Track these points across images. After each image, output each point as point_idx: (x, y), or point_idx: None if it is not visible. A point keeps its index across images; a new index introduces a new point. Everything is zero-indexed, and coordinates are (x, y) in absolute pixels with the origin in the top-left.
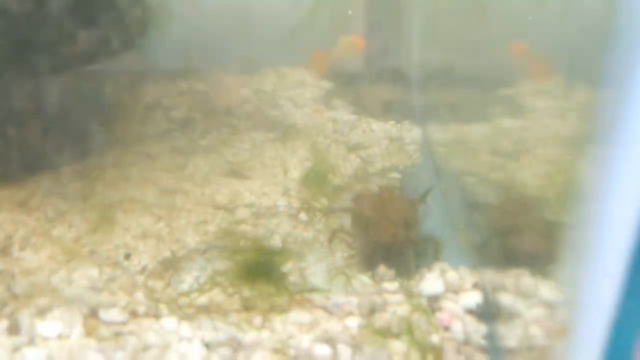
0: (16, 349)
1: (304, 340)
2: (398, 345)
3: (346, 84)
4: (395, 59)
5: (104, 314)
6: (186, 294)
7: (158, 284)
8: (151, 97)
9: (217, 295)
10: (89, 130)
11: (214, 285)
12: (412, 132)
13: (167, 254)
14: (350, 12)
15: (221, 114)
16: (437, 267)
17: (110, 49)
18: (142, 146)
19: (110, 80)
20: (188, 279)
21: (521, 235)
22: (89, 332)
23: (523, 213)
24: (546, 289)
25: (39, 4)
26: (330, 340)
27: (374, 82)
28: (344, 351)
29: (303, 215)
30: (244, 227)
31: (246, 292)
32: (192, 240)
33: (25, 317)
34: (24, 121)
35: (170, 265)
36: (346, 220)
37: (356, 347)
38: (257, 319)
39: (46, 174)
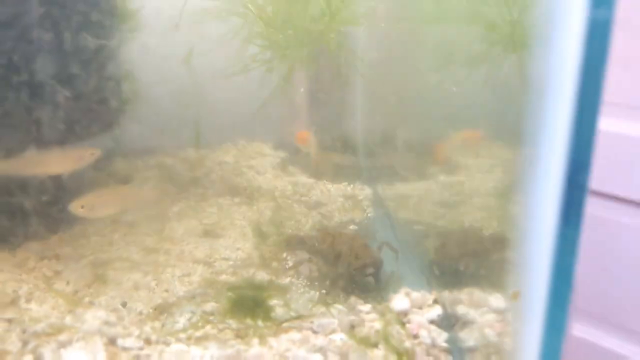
0: None
1: (300, 351)
2: (377, 352)
3: (299, 152)
4: (343, 130)
5: (122, 342)
6: (183, 330)
7: (157, 325)
8: (123, 172)
9: (210, 330)
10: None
11: (206, 322)
12: (364, 191)
13: (159, 301)
14: (301, 89)
15: (189, 185)
16: (402, 290)
17: (89, 132)
18: (119, 216)
19: None
20: (181, 320)
21: (467, 262)
22: (112, 358)
23: (466, 246)
24: (494, 299)
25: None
26: (321, 350)
27: (324, 150)
28: (333, 358)
29: (275, 264)
30: (224, 277)
31: (236, 325)
32: (179, 289)
33: (47, 351)
34: (11, 193)
35: (164, 310)
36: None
37: (343, 355)
38: (255, 341)
39: (34, 242)
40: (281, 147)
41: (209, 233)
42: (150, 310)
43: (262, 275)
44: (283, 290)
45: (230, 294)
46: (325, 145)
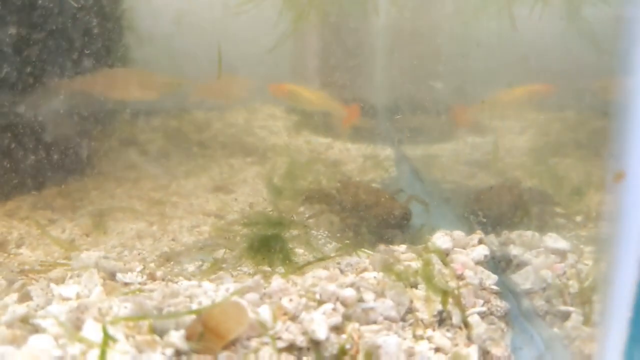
0: (33, 310)
1: (328, 287)
2: (417, 292)
3: (313, 116)
4: (361, 93)
5: (122, 277)
6: (194, 275)
7: (162, 270)
8: (125, 134)
9: (224, 275)
10: (66, 157)
11: (219, 269)
12: (385, 151)
13: (166, 249)
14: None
15: (195, 146)
16: (439, 231)
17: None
18: (122, 173)
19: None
20: (190, 268)
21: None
22: (109, 292)
23: (511, 194)
24: (550, 240)
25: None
26: (353, 286)
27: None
28: (368, 295)
29: (294, 217)
30: (237, 228)
31: (253, 270)
32: (188, 239)
33: (36, 288)
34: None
35: (171, 258)
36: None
37: (378, 293)
38: (276, 277)
39: (28, 194)
40: (294, 111)
41: (220, 189)
42: (155, 257)
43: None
44: (304, 227)
45: (245, 231)
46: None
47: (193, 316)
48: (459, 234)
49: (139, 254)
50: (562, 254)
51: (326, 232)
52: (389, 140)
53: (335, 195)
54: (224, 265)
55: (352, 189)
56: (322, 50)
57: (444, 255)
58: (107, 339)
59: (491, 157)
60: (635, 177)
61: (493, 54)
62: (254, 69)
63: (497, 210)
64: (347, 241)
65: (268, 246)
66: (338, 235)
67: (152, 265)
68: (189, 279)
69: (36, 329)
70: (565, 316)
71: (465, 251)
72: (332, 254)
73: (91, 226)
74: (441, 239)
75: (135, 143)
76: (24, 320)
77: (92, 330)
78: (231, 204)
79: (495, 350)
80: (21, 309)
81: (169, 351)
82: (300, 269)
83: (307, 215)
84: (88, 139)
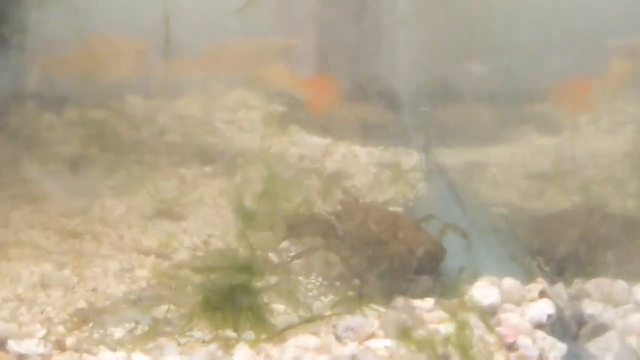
0: None
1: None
2: None
3: (306, 105)
4: (377, 73)
5: (16, 346)
6: (122, 343)
7: (76, 336)
8: (28, 129)
9: (165, 343)
10: None
11: (158, 334)
12: (409, 158)
13: (82, 304)
14: None
15: (130, 149)
16: (482, 279)
17: None
18: (21, 189)
19: None
20: (118, 333)
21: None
22: None
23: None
24: None
25: None
26: (354, 359)
27: (347, 100)
28: None
29: (271, 256)
30: (188, 273)
31: (210, 336)
32: (115, 289)
33: None
34: None
35: (89, 318)
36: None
37: None
38: (240, 346)
39: None
40: (277, 98)
41: (163, 214)
42: (66, 317)
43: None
44: (286, 272)
45: (199, 278)
46: (349, 94)
47: None
48: (511, 282)
49: (41, 312)
50: None
51: (320, 279)
52: (415, 142)
53: (334, 224)
54: (167, 329)
55: (360, 215)
56: (319, 18)
57: (489, 315)
58: None
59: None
60: None
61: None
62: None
63: (569, 247)
64: (350, 292)
65: (232, 301)
66: (337, 283)
67: (60, 328)
68: (114, 349)
69: None
70: None
71: (519, 309)
72: (326, 313)
73: None
74: (484, 291)
75: (41, 145)
76: None
77: None
78: (180, 237)
79: None
80: None
81: None
82: (278, 334)
83: (292, 254)
84: None
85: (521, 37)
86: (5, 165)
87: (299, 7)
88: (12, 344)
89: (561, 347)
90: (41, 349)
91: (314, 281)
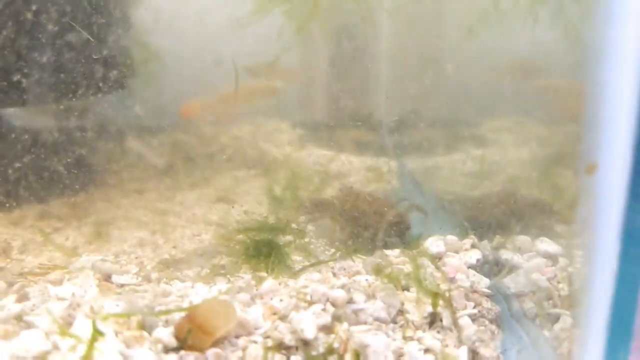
0: (28, 309)
1: (319, 288)
2: (409, 294)
3: (318, 130)
4: (363, 107)
5: (118, 278)
6: (191, 278)
7: (162, 275)
8: (135, 147)
9: (221, 280)
10: (75, 169)
11: (217, 275)
12: (387, 164)
13: (166, 256)
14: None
15: (202, 159)
16: (433, 236)
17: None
18: (128, 186)
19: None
20: (190, 274)
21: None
22: (104, 293)
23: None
24: (541, 244)
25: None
26: (344, 287)
27: (344, 127)
28: (359, 297)
29: (294, 225)
30: (238, 236)
31: (250, 275)
32: (188, 247)
33: (34, 290)
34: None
35: (170, 264)
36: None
37: (369, 294)
38: (268, 281)
39: (33, 205)
40: (300, 125)
41: (222, 199)
42: (155, 264)
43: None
44: (301, 233)
45: (242, 236)
46: (346, 121)
47: (182, 314)
48: (452, 238)
49: (136, 258)
50: (553, 258)
51: (325, 241)
52: (390, 153)
53: (335, 203)
54: (222, 272)
55: (353, 198)
56: (324, 63)
57: (436, 259)
58: (96, 334)
59: (488, 168)
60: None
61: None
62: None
63: (492, 217)
64: (344, 248)
65: (264, 252)
66: (337, 243)
67: (148, 268)
68: (183, 282)
69: (29, 326)
70: (555, 319)
71: (458, 255)
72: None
73: (94, 234)
74: (434, 244)
75: (144, 156)
76: (18, 317)
77: (82, 327)
78: (233, 214)
79: (485, 352)
80: (15, 307)
81: (157, 347)
82: (295, 273)
83: (303, 219)
84: (97, 153)
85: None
86: (121, 169)
87: (314, 61)
88: (115, 277)
89: (485, 281)
90: (134, 281)
91: (321, 242)
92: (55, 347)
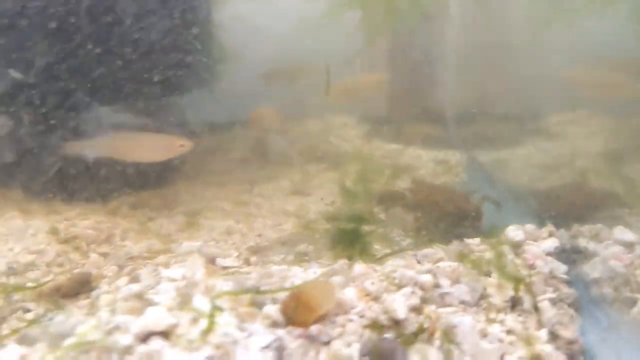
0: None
1: (407, 272)
2: (490, 280)
3: (386, 124)
4: (432, 102)
5: (222, 261)
6: (281, 263)
7: (253, 259)
8: (212, 143)
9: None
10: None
11: (302, 261)
12: (455, 157)
13: (252, 243)
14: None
15: (274, 154)
16: (512, 225)
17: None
18: (209, 178)
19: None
20: (276, 260)
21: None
22: (210, 274)
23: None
24: (618, 233)
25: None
26: (430, 272)
27: (411, 121)
28: (444, 281)
29: (368, 217)
30: (316, 226)
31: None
32: (271, 236)
33: (145, 272)
34: None
35: (258, 251)
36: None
37: (454, 279)
38: (358, 266)
39: (127, 196)
40: (366, 120)
41: (297, 192)
42: (244, 250)
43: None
44: (378, 222)
45: (325, 227)
46: (415, 116)
47: (287, 292)
48: (530, 227)
49: (233, 244)
50: (629, 246)
51: (400, 231)
52: (460, 146)
53: (407, 195)
54: (306, 258)
55: (426, 189)
56: (395, 62)
57: (516, 247)
58: (215, 309)
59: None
60: None
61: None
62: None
63: (566, 207)
64: (419, 237)
65: (347, 240)
66: (411, 233)
67: (245, 252)
68: (279, 265)
69: (150, 303)
70: (632, 302)
71: (536, 243)
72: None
73: (185, 223)
74: (513, 232)
75: (223, 153)
76: (138, 296)
77: (200, 303)
78: (308, 205)
79: (564, 333)
80: (136, 287)
81: (267, 322)
82: (379, 259)
83: (377, 211)
84: None
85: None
86: (201, 163)
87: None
88: (219, 260)
89: (564, 267)
90: (236, 263)
91: (396, 232)
92: (179, 322)
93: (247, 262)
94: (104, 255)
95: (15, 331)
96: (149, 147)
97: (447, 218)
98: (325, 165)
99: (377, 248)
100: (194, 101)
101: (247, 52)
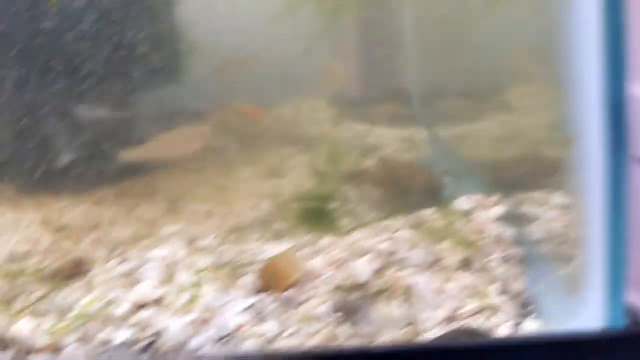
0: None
1: (368, 242)
2: (445, 245)
3: (353, 105)
4: (395, 82)
5: (201, 242)
6: (256, 241)
7: (230, 238)
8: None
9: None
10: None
11: (278, 237)
12: (419, 134)
13: (231, 224)
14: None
15: (250, 139)
16: (465, 195)
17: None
18: (185, 165)
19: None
20: (253, 238)
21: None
22: (192, 254)
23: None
24: (557, 197)
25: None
26: (390, 240)
27: (378, 102)
28: (403, 248)
29: (338, 195)
30: (289, 206)
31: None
32: (250, 215)
33: (131, 255)
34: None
35: (235, 231)
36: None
37: (411, 246)
38: (325, 239)
39: (109, 187)
40: (335, 102)
41: (273, 174)
42: (223, 231)
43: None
44: (346, 199)
45: (296, 206)
46: (379, 96)
47: (261, 265)
48: (479, 197)
49: (213, 225)
50: (566, 208)
51: (366, 205)
52: (422, 124)
53: (373, 173)
54: (279, 235)
55: (390, 166)
56: (356, 46)
57: (467, 215)
58: (197, 282)
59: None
60: None
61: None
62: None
63: (518, 176)
64: (384, 210)
65: (316, 217)
66: (376, 208)
67: (224, 232)
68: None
69: (139, 280)
70: (569, 258)
71: (485, 211)
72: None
73: (167, 209)
74: (464, 202)
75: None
76: (128, 275)
77: (183, 278)
78: (282, 187)
79: (514, 286)
80: (125, 267)
81: (245, 291)
82: (345, 233)
83: (346, 189)
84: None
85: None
86: None
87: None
88: (199, 241)
89: (508, 231)
90: (215, 243)
91: (362, 207)
92: (166, 293)
93: (225, 241)
94: (95, 241)
95: (26, 307)
96: (183, 140)
97: (409, 192)
98: (298, 148)
99: (345, 223)
100: (164, 94)
101: (212, 46)
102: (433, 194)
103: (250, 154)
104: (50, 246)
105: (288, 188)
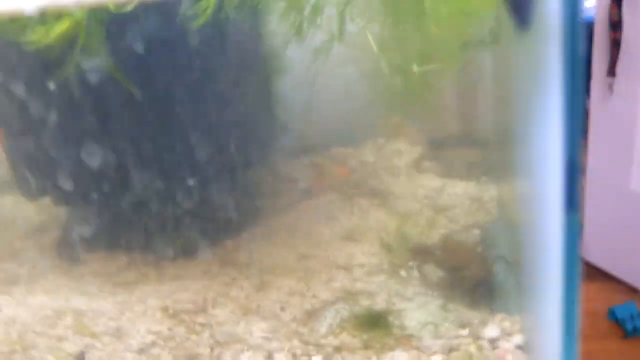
0: None
1: None
2: None
3: (436, 148)
4: (475, 125)
5: (277, 356)
6: (324, 336)
7: (304, 329)
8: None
9: (345, 337)
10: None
11: (342, 330)
12: (488, 191)
13: (309, 307)
14: None
15: (334, 184)
16: (498, 316)
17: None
18: (279, 218)
19: None
20: (323, 327)
21: None
22: None
23: None
24: None
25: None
26: None
27: (459, 145)
28: None
29: (403, 272)
30: (359, 285)
31: (364, 336)
32: (324, 295)
33: (227, 357)
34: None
35: (311, 316)
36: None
37: None
38: (374, 357)
39: (213, 249)
40: (419, 143)
41: (349, 238)
42: (300, 316)
43: (390, 284)
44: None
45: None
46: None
47: None
48: (507, 324)
49: (290, 314)
50: None
51: (428, 289)
52: (495, 175)
53: (438, 252)
54: (345, 326)
55: (452, 247)
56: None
57: (493, 342)
58: None
59: None
60: None
61: None
62: None
63: None
64: (442, 301)
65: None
66: (436, 293)
67: (295, 343)
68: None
69: None
70: None
71: (510, 338)
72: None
73: (260, 284)
74: (492, 330)
75: (285, 180)
76: None
77: None
78: (357, 256)
79: None
80: None
81: None
82: (395, 341)
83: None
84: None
85: None
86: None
87: None
88: (276, 356)
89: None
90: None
91: (424, 289)
92: None
93: (295, 356)
94: (202, 325)
95: None
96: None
97: (464, 282)
98: (377, 202)
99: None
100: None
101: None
102: (482, 294)
103: (334, 203)
104: (169, 335)
105: (360, 258)
